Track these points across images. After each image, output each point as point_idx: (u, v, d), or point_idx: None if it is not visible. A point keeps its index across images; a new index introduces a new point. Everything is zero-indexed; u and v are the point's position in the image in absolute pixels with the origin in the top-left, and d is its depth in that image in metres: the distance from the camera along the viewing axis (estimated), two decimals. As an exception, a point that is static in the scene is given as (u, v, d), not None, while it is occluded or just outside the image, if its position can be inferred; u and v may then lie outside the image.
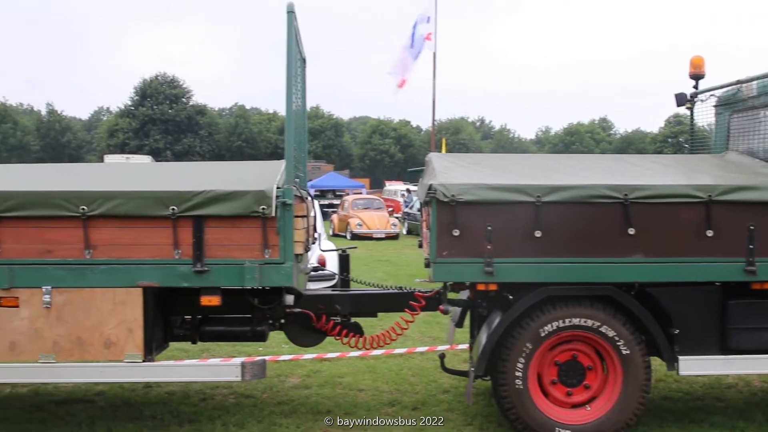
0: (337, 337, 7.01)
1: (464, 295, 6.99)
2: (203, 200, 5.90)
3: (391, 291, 7.25)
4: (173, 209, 5.89)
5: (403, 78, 17.31)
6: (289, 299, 6.58)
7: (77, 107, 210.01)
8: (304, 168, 7.41)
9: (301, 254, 6.34)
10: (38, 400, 7.67)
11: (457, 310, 7.39)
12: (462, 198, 6.00)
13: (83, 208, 5.92)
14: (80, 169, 8.39)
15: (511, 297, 6.28)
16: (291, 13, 6.01)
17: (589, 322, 6.21)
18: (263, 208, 5.86)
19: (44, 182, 6.49)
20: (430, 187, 6.06)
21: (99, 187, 6.13)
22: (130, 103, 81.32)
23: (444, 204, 6.02)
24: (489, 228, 6.05)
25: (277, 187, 5.92)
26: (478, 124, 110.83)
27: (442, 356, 7.24)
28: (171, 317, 6.73)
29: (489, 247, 6.05)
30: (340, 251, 7.86)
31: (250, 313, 6.73)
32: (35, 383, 7.98)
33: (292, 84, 6.10)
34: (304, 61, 7.26)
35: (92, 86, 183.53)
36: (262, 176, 6.28)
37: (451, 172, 6.44)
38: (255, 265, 5.91)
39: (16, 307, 6.02)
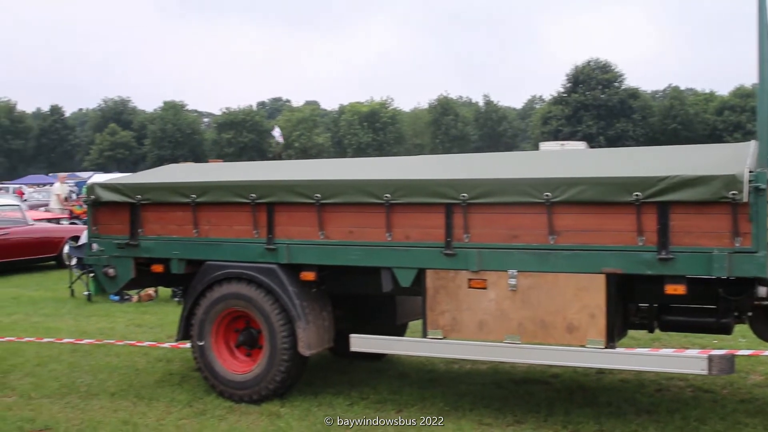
0: None
1: None
2: (668, 186, 5.68)
3: None
4: (637, 195, 5.77)
5: None
6: (762, 291, 6.13)
7: (511, 97, 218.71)
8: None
9: None
10: (497, 378, 8.03)
11: None
12: None
13: (547, 195, 6.03)
14: (530, 156, 8.57)
15: None
16: None
17: None
18: (733, 194, 5.49)
19: (505, 170, 6.75)
20: None
21: (561, 173, 6.21)
22: (562, 90, 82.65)
23: None
24: None
25: (749, 171, 5.53)
26: None
27: None
28: (627, 304, 6.63)
29: None
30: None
31: (713, 303, 6.40)
32: (495, 361, 8.36)
33: (766, 59, 5.66)
34: None
35: (525, 76, 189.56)
36: (728, 160, 5.91)
37: None
38: (724, 254, 5.57)
39: (484, 288, 6.34)
